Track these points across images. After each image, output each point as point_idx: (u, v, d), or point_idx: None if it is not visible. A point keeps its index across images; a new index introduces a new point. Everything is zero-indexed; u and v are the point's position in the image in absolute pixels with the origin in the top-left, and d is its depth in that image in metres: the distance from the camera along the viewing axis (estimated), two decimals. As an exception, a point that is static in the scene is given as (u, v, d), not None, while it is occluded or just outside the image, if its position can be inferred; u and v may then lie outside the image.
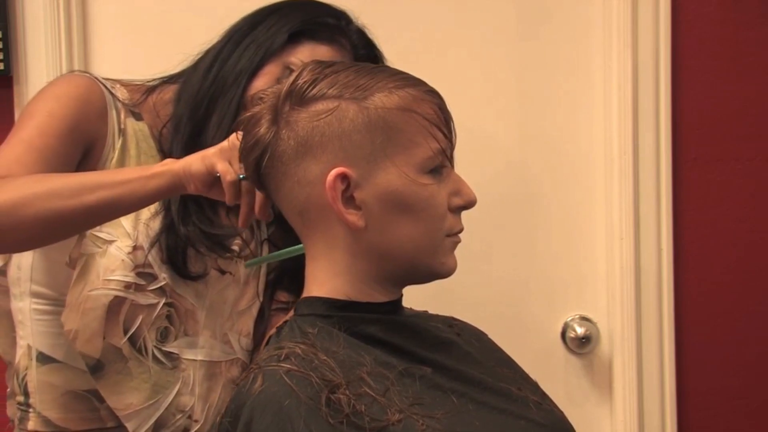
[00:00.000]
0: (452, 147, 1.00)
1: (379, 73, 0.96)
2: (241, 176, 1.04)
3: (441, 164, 0.96)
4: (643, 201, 1.66)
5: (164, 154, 1.22)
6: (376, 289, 0.98)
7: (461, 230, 1.00)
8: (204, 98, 1.20)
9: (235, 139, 1.05)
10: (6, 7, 1.56)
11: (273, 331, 1.01)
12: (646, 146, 1.65)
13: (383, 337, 0.96)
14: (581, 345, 1.69)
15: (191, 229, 1.18)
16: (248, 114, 0.99)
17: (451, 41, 1.67)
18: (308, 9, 1.24)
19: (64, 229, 1.08)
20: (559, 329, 1.71)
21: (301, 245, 1.02)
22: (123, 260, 1.16)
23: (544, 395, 1.05)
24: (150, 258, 1.17)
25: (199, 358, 1.22)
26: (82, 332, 1.15)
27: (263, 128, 0.96)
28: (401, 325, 0.99)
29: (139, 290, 1.17)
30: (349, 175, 0.93)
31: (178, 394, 1.20)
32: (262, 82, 1.19)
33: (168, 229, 1.18)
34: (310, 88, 0.95)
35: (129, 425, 1.18)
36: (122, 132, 1.20)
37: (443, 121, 0.97)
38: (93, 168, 1.19)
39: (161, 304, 1.19)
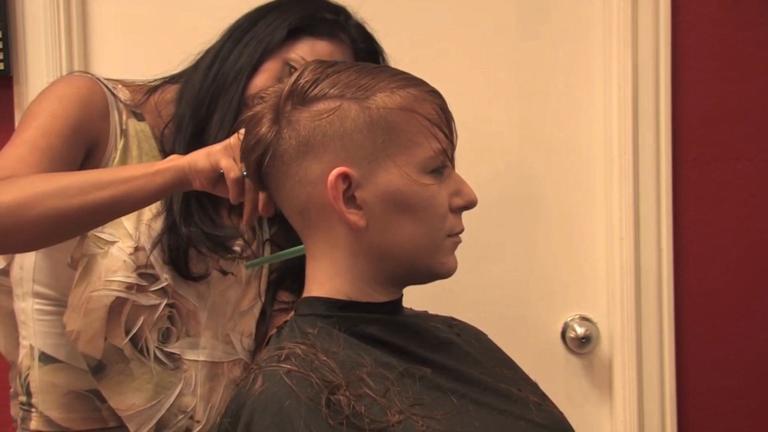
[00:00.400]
0: (453, 147, 1.00)
1: (380, 73, 0.96)
2: (245, 173, 1.04)
3: (442, 164, 0.96)
4: (643, 201, 1.66)
5: (166, 154, 1.22)
6: (376, 289, 0.98)
7: (462, 230, 1.00)
8: (205, 97, 1.20)
9: (239, 136, 1.05)
10: (6, 7, 1.55)
11: (273, 331, 1.01)
12: (646, 146, 1.65)
13: (383, 337, 0.96)
14: (581, 345, 1.69)
15: (193, 230, 1.18)
16: (250, 113, 0.99)
17: (451, 41, 1.66)
18: (307, 5, 1.24)
19: (71, 228, 1.08)
20: (559, 329, 1.71)
21: (302, 246, 1.02)
22: (125, 261, 1.16)
23: (544, 396, 1.05)
24: (152, 259, 1.17)
25: (201, 358, 1.22)
26: (84, 333, 1.15)
27: (265, 127, 0.96)
28: (401, 326, 0.99)
29: (140, 291, 1.17)
30: (350, 174, 0.93)
31: (180, 394, 1.20)
32: (262, 79, 1.19)
33: (170, 229, 1.18)
34: (312, 87, 0.95)
35: (131, 426, 1.18)
36: (124, 132, 1.20)
37: (444, 122, 0.97)
38: (96, 168, 1.18)
39: (163, 305, 1.19)
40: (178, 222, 1.18)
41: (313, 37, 1.21)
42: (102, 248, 1.16)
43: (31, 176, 1.06)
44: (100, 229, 1.15)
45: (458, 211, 0.99)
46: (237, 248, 1.24)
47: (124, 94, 1.23)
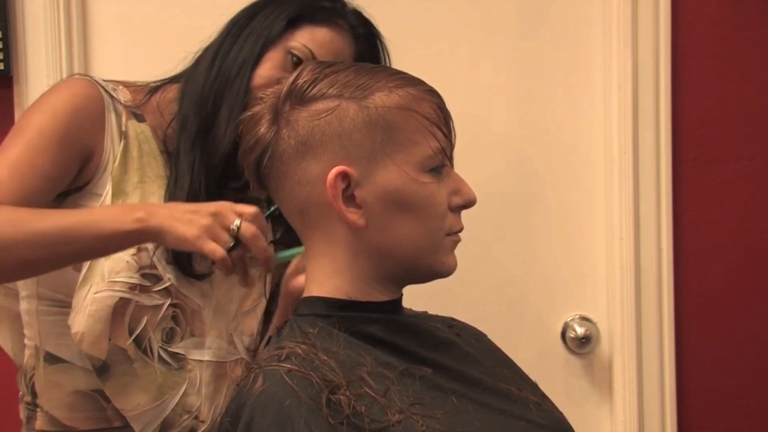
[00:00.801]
0: (452, 146, 1.00)
1: (378, 73, 0.96)
2: (228, 248, 1.05)
3: (441, 163, 0.96)
4: (643, 201, 1.66)
5: (169, 153, 1.23)
6: (376, 288, 0.98)
7: (461, 229, 1.00)
8: (210, 93, 1.20)
9: (219, 208, 1.07)
10: (6, 7, 1.56)
11: (273, 331, 1.01)
12: (646, 146, 1.65)
13: (383, 336, 0.96)
14: (581, 345, 1.69)
15: None
16: (248, 114, 0.99)
17: (451, 41, 1.67)
18: None
19: (39, 272, 1.13)
20: (559, 329, 1.71)
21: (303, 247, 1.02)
22: (127, 262, 1.16)
23: (543, 396, 1.05)
24: (154, 259, 1.18)
25: (206, 358, 1.22)
26: (89, 334, 1.15)
27: (263, 128, 0.96)
28: (401, 325, 0.99)
29: (143, 291, 1.17)
30: (349, 173, 0.93)
31: (184, 394, 1.20)
32: (266, 69, 1.19)
33: None
34: (311, 87, 0.95)
35: (136, 426, 1.19)
36: (124, 135, 1.20)
37: (443, 121, 0.97)
38: (92, 175, 1.19)
39: (166, 305, 1.19)
40: None
41: (313, 24, 1.21)
42: None
43: (2, 212, 1.06)
44: None
45: (457, 210, 0.99)
46: None
47: (124, 95, 1.23)
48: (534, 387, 1.06)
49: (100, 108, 1.20)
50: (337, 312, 0.96)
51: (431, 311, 1.12)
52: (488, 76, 1.67)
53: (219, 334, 1.24)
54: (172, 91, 1.26)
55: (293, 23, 1.21)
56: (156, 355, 1.19)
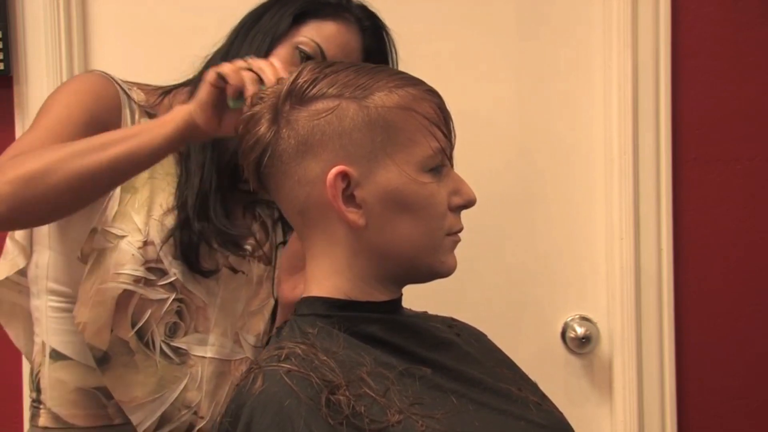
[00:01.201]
0: (452, 146, 1.00)
1: (378, 73, 0.96)
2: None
3: (441, 163, 0.96)
4: (643, 201, 1.66)
5: (181, 154, 1.23)
6: (376, 288, 0.98)
7: (461, 229, 1.00)
8: None
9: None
10: (6, 7, 1.56)
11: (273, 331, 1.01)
12: (646, 146, 1.65)
13: (383, 336, 0.96)
14: (581, 345, 1.69)
15: (206, 225, 1.19)
16: (248, 113, 0.99)
17: (452, 41, 1.67)
18: None
19: (92, 188, 1.08)
20: (559, 329, 1.71)
21: None
22: (133, 255, 1.17)
23: (543, 396, 1.04)
24: (161, 254, 1.18)
25: (209, 355, 1.23)
26: (91, 324, 1.16)
27: (263, 127, 0.96)
28: (401, 325, 0.99)
29: (148, 285, 1.18)
30: (349, 173, 0.93)
31: (185, 389, 1.21)
32: None
33: (182, 224, 1.19)
34: (311, 87, 0.95)
35: (134, 418, 1.19)
36: None
37: (443, 121, 0.97)
38: None
39: (171, 300, 1.20)
40: (191, 217, 1.19)
41: (319, 19, 1.22)
42: (112, 242, 1.17)
43: (46, 147, 1.08)
44: (110, 224, 1.17)
45: (457, 210, 0.99)
46: (248, 247, 1.25)
47: (138, 95, 1.24)
48: (534, 387, 1.06)
49: (117, 100, 1.21)
50: (337, 312, 0.96)
51: (431, 311, 1.12)
52: (488, 76, 1.68)
53: (224, 332, 1.24)
54: (184, 94, 1.27)
55: (299, 19, 1.21)
56: (158, 348, 1.20)
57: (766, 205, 1.70)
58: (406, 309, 1.05)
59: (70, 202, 1.09)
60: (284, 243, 1.29)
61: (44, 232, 1.22)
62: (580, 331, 1.68)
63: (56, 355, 1.23)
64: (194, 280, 1.21)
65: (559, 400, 1.08)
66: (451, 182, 0.98)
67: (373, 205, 0.94)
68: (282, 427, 0.84)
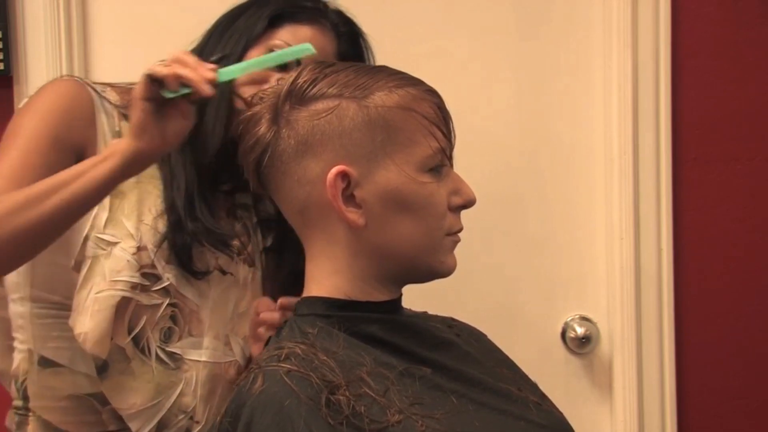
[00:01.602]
0: (451, 146, 1.00)
1: (378, 73, 0.96)
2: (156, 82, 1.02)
3: (440, 163, 0.97)
4: (643, 201, 1.66)
5: (162, 157, 1.21)
6: (376, 287, 0.98)
7: (461, 229, 1.00)
8: None
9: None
10: (6, 7, 1.56)
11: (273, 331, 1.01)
12: (646, 146, 1.65)
13: (383, 336, 0.96)
14: (581, 345, 1.69)
15: (198, 225, 1.19)
16: (248, 113, 0.99)
17: (451, 41, 1.67)
18: None
19: (36, 242, 1.06)
20: (559, 329, 1.71)
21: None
22: (128, 261, 1.16)
23: (543, 396, 1.05)
24: (155, 259, 1.17)
25: (203, 359, 1.22)
26: (92, 334, 1.15)
27: (263, 127, 0.96)
28: (401, 325, 0.99)
29: (143, 291, 1.17)
30: (349, 173, 0.93)
31: (180, 394, 1.20)
32: None
33: (175, 226, 1.18)
34: (310, 87, 0.95)
35: (132, 425, 1.18)
36: (119, 135, 1.19)
37: (442, 121, 0.97)
38: None
39: (165, 305, 1.19)
40: (183, 218, 1.18)
41: (295, 23, 1.21)
42: (104, 249, 1.16)
43: None
44: (101, 231, 1.16)
45: (457, 210, 0.99)
46: (234, 247, 1.24)
47: (113, 96, 1.22)
48: (534, 387, 1.06)
49: (90, 107, 1.19)
50: (337, 312, 0.96)
51: (431, 311, 1.12)
52: (488, 76, 1.67)
53: (216, 335, 1.23)
54: None
55: (275, 22, 1.21)
56: (154, 354, 1.19)
57: (766, 205, 1.70)
58: (406, 309, 1.05)
59: (24, 253, 1.07)
60: (269, 249, 1.28)
61: None
62: (580, 331, 1.68)
63: (46, 363, 1.21)
64: (187, 283, 1.21)
65: (559, 400, 1.08)
66: (451, 182, 0.98)
67: (373, 205, 0.94)
68: (282, 427, 0.84)
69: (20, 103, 1.55)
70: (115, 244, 1.16)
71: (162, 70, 1.03)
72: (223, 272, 1.23)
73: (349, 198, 0.94)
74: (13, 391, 1.25)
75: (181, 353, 1.21)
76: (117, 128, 1.20)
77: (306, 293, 0.99)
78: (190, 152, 1.19)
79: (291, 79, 0.96)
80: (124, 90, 1.24)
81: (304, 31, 1.21)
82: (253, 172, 0.99)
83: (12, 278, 1.23)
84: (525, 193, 1.69)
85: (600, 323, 1.70)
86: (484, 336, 1.13)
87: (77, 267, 1.17)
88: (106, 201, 1.17)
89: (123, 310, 1.16)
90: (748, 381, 1.71)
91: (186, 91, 1.03)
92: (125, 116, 1.21)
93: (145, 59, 1.56)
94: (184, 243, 1.18)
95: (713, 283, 1.69)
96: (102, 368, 1.17)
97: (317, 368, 0.89)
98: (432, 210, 0.96)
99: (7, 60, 1.56)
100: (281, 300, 1.15)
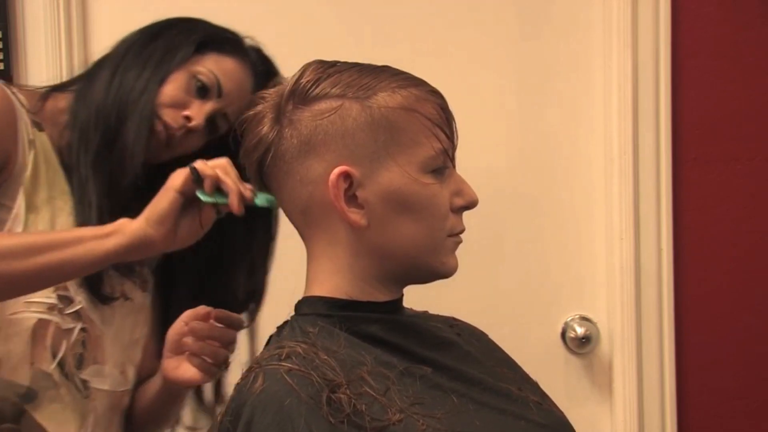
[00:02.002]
0: (454, 147, 1.00)
1: (381, 73, 0.96)
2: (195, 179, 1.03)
3: (443, 164, 0.96)
4: (643, 201, 1.66)
5: (67, 168, 1.17)
6: (377, 288, 0.98)
7: (463, 230, 1.00)
8: (113, 107, 1.15)
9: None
10: (6, 7, 1.56)
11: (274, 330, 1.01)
12: (646, 146, 1.65)
13: (384, 336, 0.96)
14: (581, 345, 1.69)
15: None
16: (251, 113, 0.99)
17: (452, 41, 1.67)
18: (208, 25, 1.23)
19: (18, 291, 1.04)
20: (559, 329, 1.71)
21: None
22: None
23: (544, 395, 1.04)
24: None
25: (105, 387, 1.18)
26: (7, 359, 1.10)
27: (266, 127, 0.96)
28: (402, 325, 0.99)
29: (60, 313, 1.13)
30: (351, 173, 0.93)
31: (94, 423, 1.16)
32: (171, 88, 1.16)
33: None
34: (313, 87, 0.95)
35: None
36: (32, 143, 1.15)
37: (445, 122, 0.97)
38: (8, 185, 1.13)
39: (78, 329, 1.15)
40: None
41: (220, 53, 1.20)
42: None
43: None
44: None
45: (459, 211, 0.99)
46: (137, 273, 1.22)
47: (23, 100, 1.17)
48: (534, 386, 1.06)
49: (12, 115, 1.13)
50: (338, 311, 0.96)
51: (432, 311, 1.12)
52: (489, 76, 1.68)
53: (115, 363, 1.20)
54: (63, 100, 1.20)
55: (200, 49, 1.19)
56: (74, 381, 1.14)
57: (766, 205, 1.70)
58: (407, 309, 1.05)
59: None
60: (156, 269, 1.26)
61: None
62: (580, 331, 1.68)
63: None
64: (95, 308, 1.16)
65: (560, 399, 1.08)
66: (453, 183, 0.98)
67: (375, 206, 0.94)
68: (282, 426, 0.84)
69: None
70: None
71: (207, 170, 1.02)
72: (126, 298, 1.21)
73: (352, 198, 0.94)
74: None
75: (89, 380, 1.16)
76: (31, 136, 1.15)
77: (307, 293, 0.99)
78: (106, 171, 1.15)
79: (294, 79, 0.96)
80: (29, 93, 1.20)
81: (228, 62, 1.20)
82: (255, 172, 0.99)
83: None
84: (525, 193, 1.69)
85: (600, 323, 1.70)
86: (485, 335, 1.13)
87: None
88: (22, 216, 1.12)
89: (42, 333, 1.11)
90: (748, 381, 1.71)
91: (221, 200, 1.03)
92: (36, 123, 1.17)
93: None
94: None
95: (713, 283, 1.70)
96: (29, 397, 1.11)
97: (318, 367, 0.89)
98: (434, 211, 0.96)
99: (7, 60, 1.56)
100: (216, 312, 1.13)
